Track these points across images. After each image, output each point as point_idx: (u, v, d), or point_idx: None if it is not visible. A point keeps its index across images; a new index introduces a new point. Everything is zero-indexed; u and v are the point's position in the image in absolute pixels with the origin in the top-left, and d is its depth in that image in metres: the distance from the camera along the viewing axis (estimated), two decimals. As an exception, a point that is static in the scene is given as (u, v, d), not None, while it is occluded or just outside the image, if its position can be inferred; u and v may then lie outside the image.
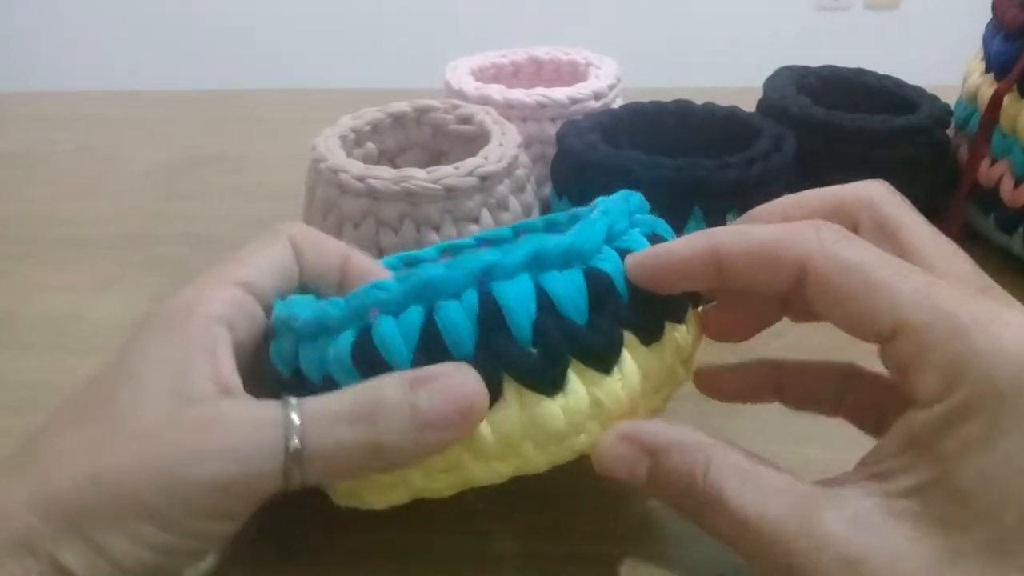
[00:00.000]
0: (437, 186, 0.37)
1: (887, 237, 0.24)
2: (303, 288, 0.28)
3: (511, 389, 0.23)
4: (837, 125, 0.44)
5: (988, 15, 0.46)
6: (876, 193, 0.26)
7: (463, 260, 0.24)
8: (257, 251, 0.27)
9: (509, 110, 0.48)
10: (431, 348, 0.22)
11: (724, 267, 0.23)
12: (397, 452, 0.22)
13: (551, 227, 0.31)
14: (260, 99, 0.74)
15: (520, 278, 0.23)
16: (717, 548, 0.28)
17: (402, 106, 0.45)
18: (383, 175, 0.38)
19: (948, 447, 0.20)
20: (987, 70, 0.45)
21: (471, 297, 0.23)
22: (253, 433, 0.22)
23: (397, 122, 0.46)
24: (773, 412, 0.34)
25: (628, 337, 0.24)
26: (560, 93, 0.48)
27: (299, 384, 0.24)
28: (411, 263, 0.32)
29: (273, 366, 0.25)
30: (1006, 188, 0.43)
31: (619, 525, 0.29)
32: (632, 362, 0.24)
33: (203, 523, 0.22)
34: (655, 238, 0.26)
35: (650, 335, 0.25)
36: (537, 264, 0.23)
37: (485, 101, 0.48)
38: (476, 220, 0.38)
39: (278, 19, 2.11)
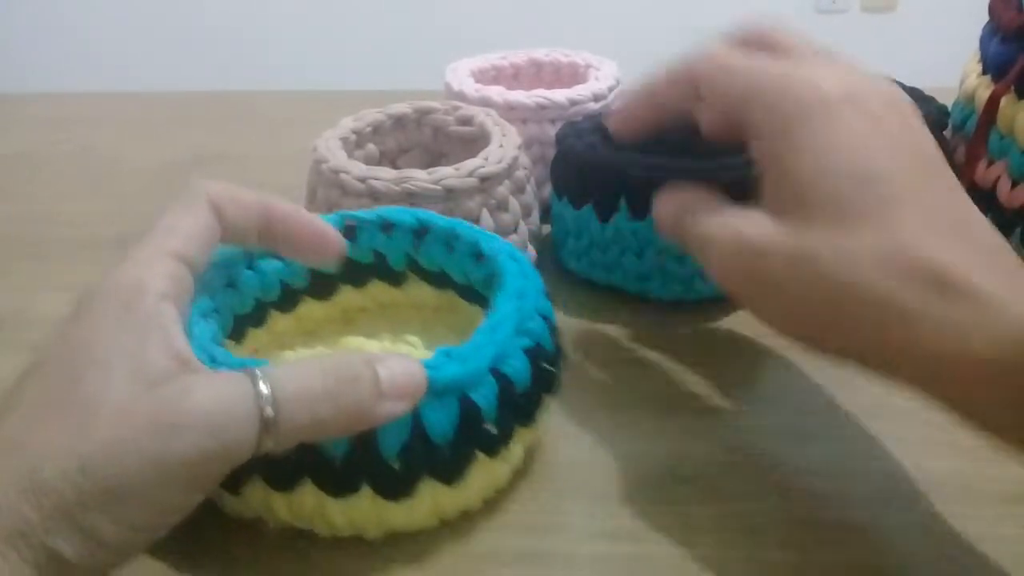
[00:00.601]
0: (438, 187, 0.37)
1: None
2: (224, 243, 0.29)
3: (366, 488, 0.26)
4: (836, 126, 0.44)
5: (985, 17, 0.46)
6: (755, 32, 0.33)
7: None
8: (183, 217, 0.27)
9: (509, 112, 0.48)
10: (305, 449, 0.25)
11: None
12: (359, 420, 0.25)
13: (452, 231, 0.35)
14: (262, 100, 0.74)
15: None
16: (716, 547, 0.28)
17: (402, 108, 0.46)
18: (384, 176, 0.38)
19: (779, 151, 0.27)
20: (984, 72, 0.45)
21: None
22: (227, 405, 0.23)
23: (398, 123, 0.46)
24: (774, 412, 0.34)
25: (479, 454, 0.28)
26: (560, 95, 0.49)
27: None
28: (350, 220, 0.35)
29: None
30: (1003, 189, 0.43)
31: (620, 524, 0.29)
32: (476, 475, 0.28)
33: (181, 496, 0.23)
34: (537, 348, 0.29)
35: (500, 449, 0.28)
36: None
37: (485, 103, 0.48)
38: (476, 220, 0.39)
39: (280, 21, 2.11)
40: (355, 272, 0.36)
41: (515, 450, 0.29)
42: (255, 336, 0.35)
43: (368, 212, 0.35)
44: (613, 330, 0.40)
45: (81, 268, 0.46)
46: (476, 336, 0.28)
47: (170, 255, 0.26)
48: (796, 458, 0.32)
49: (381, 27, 2.09)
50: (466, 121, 0.45)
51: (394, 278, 0.37)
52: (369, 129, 0.45)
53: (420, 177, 0.38)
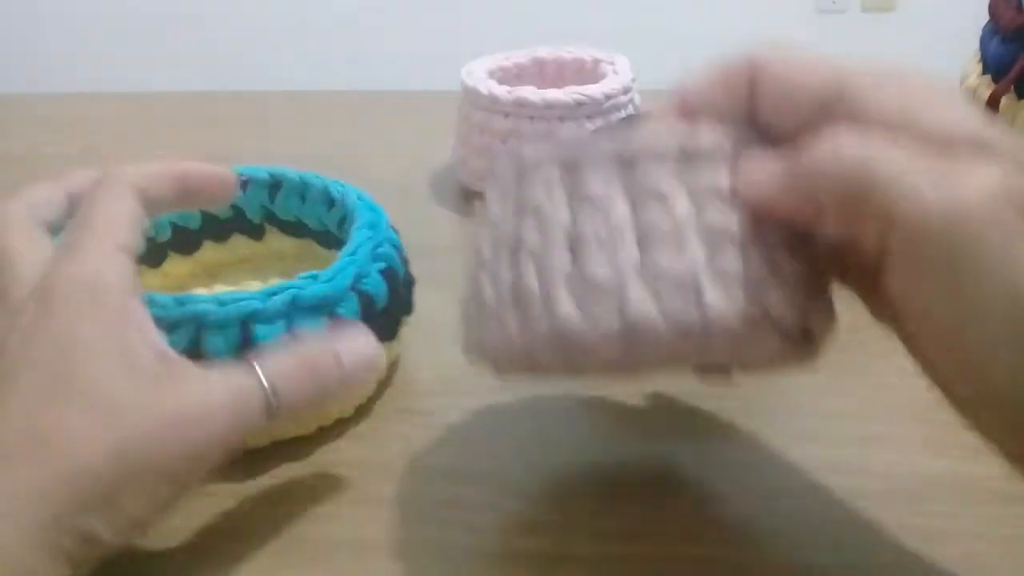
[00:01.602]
0: None
1: None
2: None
3: None
4: (836, 126, 0.44)
5: (985, 17, 0.47)
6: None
7: (233, 300, 0.30)
8: (116, 207, 0.27)
9: (547, 110, 0.48)
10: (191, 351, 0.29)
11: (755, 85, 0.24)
12: (330, 399, 0.29)
13: (303, 182, 0.39)
14: (264, 100, 0.74)
15: (276, 324, 0.30)
16: (718, 546, 0.28)
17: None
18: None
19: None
20: (984, 72, 0.46)
21: (234, 333, 0.30)
22: (245, 397, 0.26)
23: None
24: (778, 411, 0.34)
25: None
26: (594, 90, 0.49)
27: None
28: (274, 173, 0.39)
29: None
30: (1003, 189, 0.43)
31: (620, 524, 0.29)
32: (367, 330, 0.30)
33: (203, 473, 0.26)
34: (391, 271, 0.34)
35: None
36: (293, 310, 0.30)
37: (521, 104, 0.49)
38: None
39: (280, 21, 2.11)
40: (215, 227, 0.40)
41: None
42: None
43: (260, 171, 0.39)
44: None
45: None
46: (338, 262, 0.32)
47: (119, 249, 0.26)
48: (795, 458, 0.32)
49: (381, 28, 2.09)
50: None
51: (253, 231, 0.40)
52: None
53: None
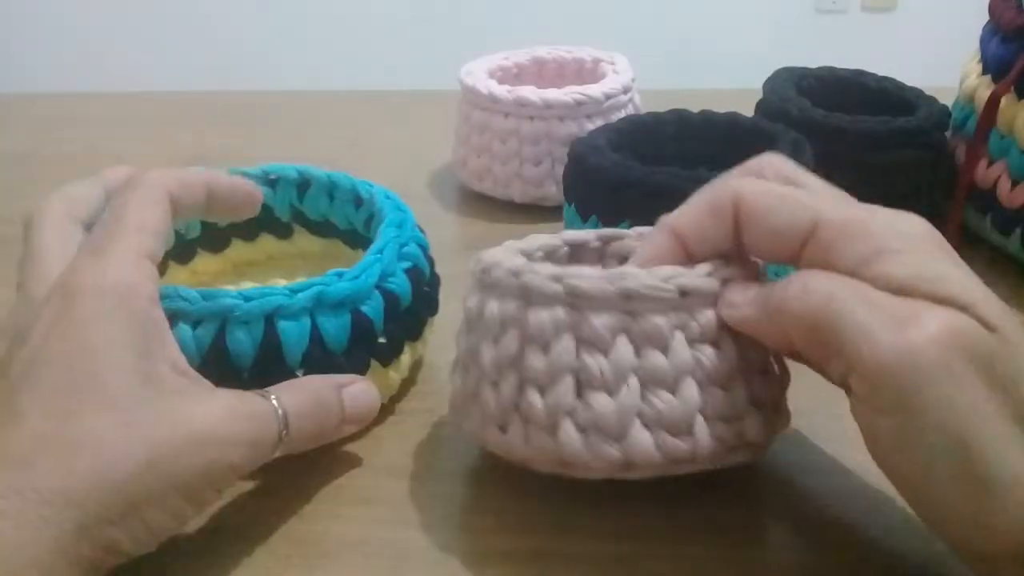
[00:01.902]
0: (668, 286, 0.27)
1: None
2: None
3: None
4: (837, 127, 0.45)
5: (985, 17, 0.47)
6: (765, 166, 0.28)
7: (258, 295, 0.30)
8: (149, 214, 0.27)
9: (547, 110, 0.49)
10: (217, 358, 0.29)
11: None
12: (328, 437, 0.30)
13: (331, 181, 0.39)
14: (264, 100, 0.74)
15: (301, 321, 0.30)
16: (718, 546, 0.28)
17: (584, 234, 0.33)
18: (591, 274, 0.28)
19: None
20: (984, 72, 0.45)
21: (258, 328, 0.30)
22: (264, 424, 0.26)
23: (575, 252, 0.33)
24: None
25: (373, 363, 0.32)
26: (594, 89, 0.49)
27: None
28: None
29: None
30: (1003, 189, 0.43)
31: (620, 524, 0.29)
32: (370, 380, 0.31)
33: (216, 496, 0.26)
34: (416, 270, 0.34)
35: (391, 359, 0.33)
36: (317, 306, 0.30)
37: (522, 103, 0.49)
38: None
39: (281, 21, 2.11)
40: (244, 226, 0.40)
41: (404, 361, 0.34)
42: None
43: (253, 168, 0.39)
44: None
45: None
46: (363, 259, 0.32)
47: (148, 257, 0.26)
48: (795, 458, 0.32)
49: (381, 28, 2.09)
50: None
51: (281, 230, 0.41)
52: (540, 254, 0.32)
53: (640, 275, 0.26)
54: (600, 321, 0.25)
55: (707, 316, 0.26)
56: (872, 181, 0.39)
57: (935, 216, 0.46)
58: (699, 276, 0.26)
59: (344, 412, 0.29)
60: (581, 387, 0.26)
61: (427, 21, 2.07)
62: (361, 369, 0.32)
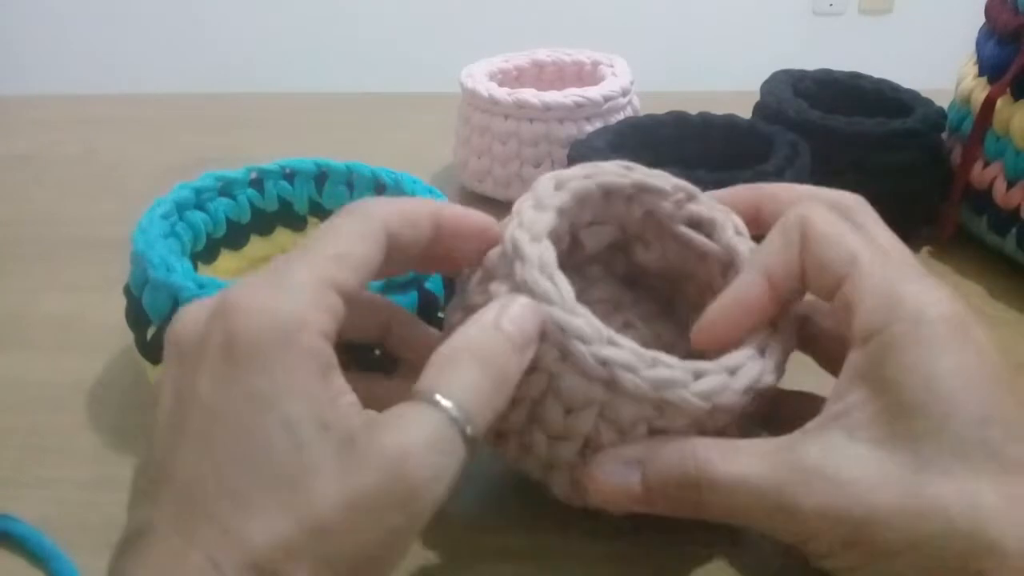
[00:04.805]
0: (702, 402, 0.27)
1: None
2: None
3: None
4: (834, 129, 0.45)
5: (981, 19, 0.47)
6: (853, 205, 0.29)
7: None
8: (356, 244, 0.24)
9: (546, 112, 0.49)
10: None
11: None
12: (514, 382, 0.24)
13: (350, 171, 0.39)
14: (264, 102, 0.74)
15: None
16: (718, 545, 0.28)
17: (618, 179, 0.30)
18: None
19: (892, 373, 0.23)
20: (980, 73, 0.46)
21: None
22: (440, 445, 0.21)
23: (607, 195, 0.30)
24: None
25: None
26: (593, 92, 0.50)
27: None
28: (255, 173, 0.40)
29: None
30: (999, 190, 0.43)
31: (620, 523, 0.29)
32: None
33: (403, 553, 0.22)
34: None
35: None
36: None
37: (521, 105, 0.49)
38: None
39: (281, 22, 2.11)
40: (263, 221, 0.40)
41: None
42: None
43: (270, 164, 0.39)
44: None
45: (83, 269, 0.46)
46: None
47: (336, 288, 0.23)
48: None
49: (382, 30, 2.09)
50: (698, 223, 0.30)
51: (298, 224, 0.41)
52: (569, 199, 0.29)
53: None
54: (628, 411, 0.25)
55: (724, 420, 0.26)
56: (869, 183, 0.40)
57: (932, 217, 0.47)
58: (736, 392, 0.25)
59: (515, 342, 0.23)
60: (587, 447, 0.26)
61: (427, 24, 2.07)
62: None
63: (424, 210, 0.26)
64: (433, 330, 0.30)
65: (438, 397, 0.22)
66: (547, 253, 0.26)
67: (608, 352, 0.24)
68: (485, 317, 0.24)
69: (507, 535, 0.29)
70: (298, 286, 0.22)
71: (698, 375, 0.25)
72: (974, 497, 0.22)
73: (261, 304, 0.22)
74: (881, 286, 0.24)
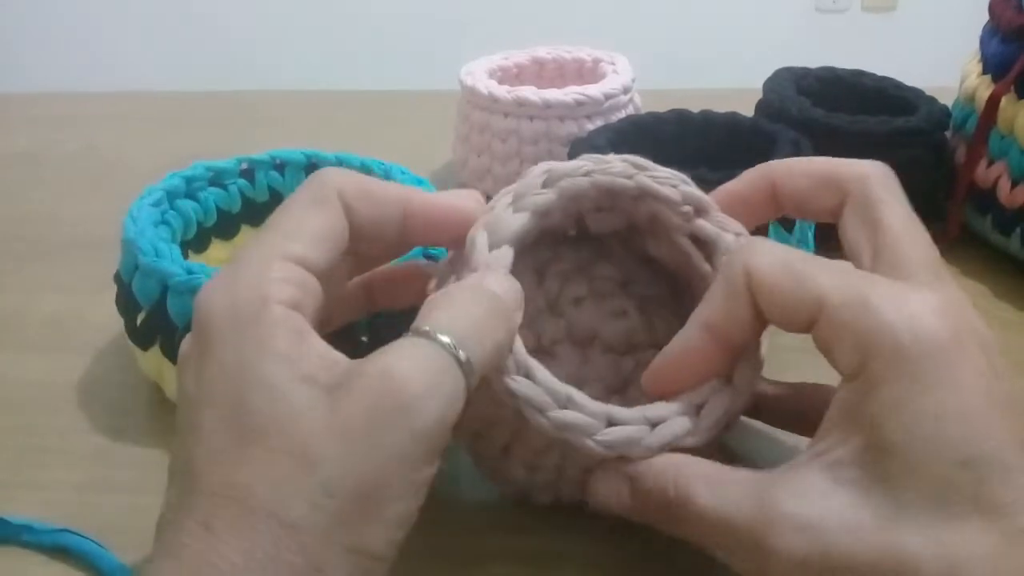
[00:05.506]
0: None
1: (867, 214, 0.26)
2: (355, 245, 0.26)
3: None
4: (837, 126, 0.45)
5: (985, 17, 0.47)
6: (872, 172, 0.27)
7: None
8: (308, 217, 0.24)
9: (547, 110, 0.49)
10: None
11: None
12: (514, 329, 0.24)
13: (340, 161, 0.39)
14: (264, 99, 0.74)
15: None
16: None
17: (623, 178, 0.29)
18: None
19: (872, 412, 0.22)
20: (984, 71, 0.46)
21: None
22: (437, 365, 0.21)
23: (610, 190, 0.29)
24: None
25: None
26: (594, 89, 0.49)
27: None
28: (245, 164, 0.40)
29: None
30: (1003, 189, 0.43)
31: (619, 524, 0.29)
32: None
33: (426, 471, 0.22)
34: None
35: None
36: None
37: (522, 103, 0.49)
38: None
39: (281, 21, 2.11)
40: (253, 211, 0.40)
41: None
42: None
43: (260, 154, 0.39)
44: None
45: (81, 268, 0.46)
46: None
47: (292, 260, 0.23)
48: (794, 458, 0.32)
49: (381, 28, 2.09)
50: (702, 241, 0.29)
51: None
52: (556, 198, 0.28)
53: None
54: (587, 453, 0.25)
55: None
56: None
57: (936, 216, 0.47)
58: (650, 448, 0.25)
59: (511, 309, 0.24)
60: (562, 465, 0.27)
61: (427, 21, 2.07)
62: None
63: (392, 192, 0.26)
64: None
65: (426, 328, 0.22)
66: (504, 260, 0.25)
67: (516, 385, 0.24)
68: (467, 280, 0.25)
69: (508, 536, 0.29)
70: (254, 266, 0.23)
71: (611, 422, 0.25)
72: (949, 549, 0.21)
73: (221, 292, 0.22)
74: (854, 324, 0.22)
